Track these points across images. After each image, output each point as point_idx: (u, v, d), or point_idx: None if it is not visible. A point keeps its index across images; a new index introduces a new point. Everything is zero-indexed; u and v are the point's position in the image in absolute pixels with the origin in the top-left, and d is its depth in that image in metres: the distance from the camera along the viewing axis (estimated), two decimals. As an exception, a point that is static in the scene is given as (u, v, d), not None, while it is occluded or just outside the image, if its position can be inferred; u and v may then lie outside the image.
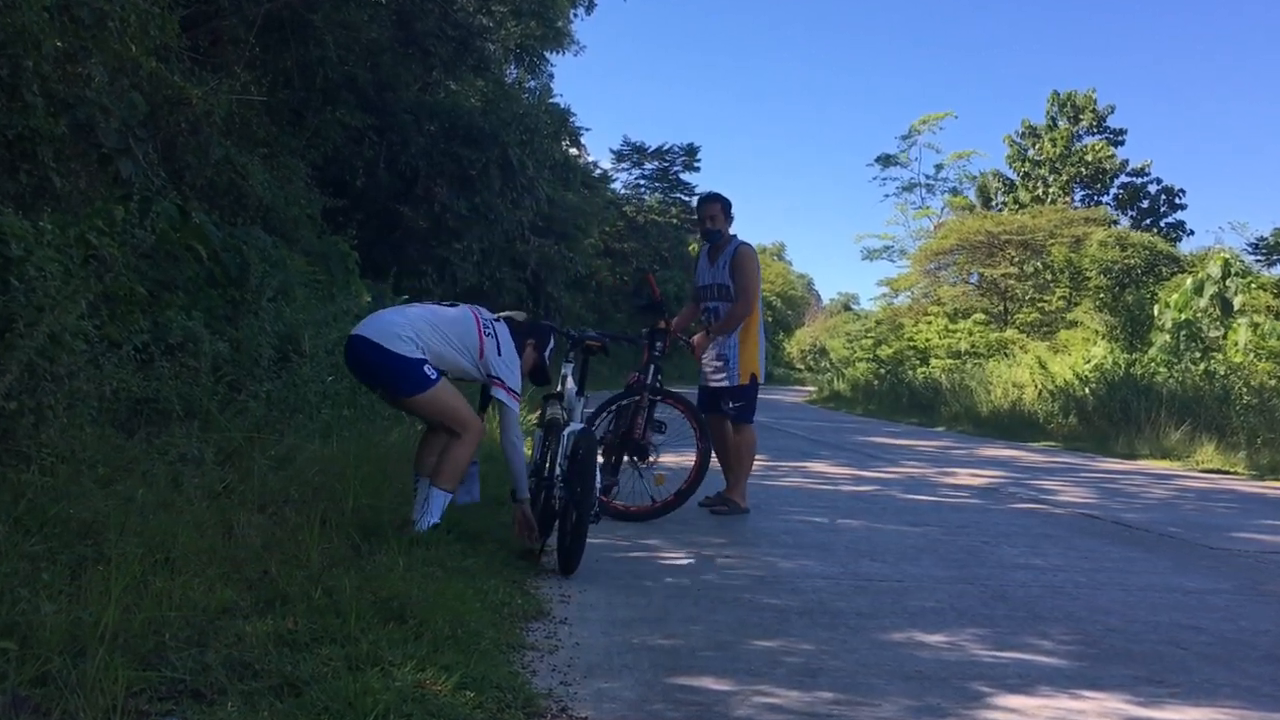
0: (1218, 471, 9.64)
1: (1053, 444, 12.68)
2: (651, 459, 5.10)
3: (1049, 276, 25.99)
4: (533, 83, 20.92)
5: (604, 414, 5.20)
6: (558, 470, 3.81)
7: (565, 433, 3.85)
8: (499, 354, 3.85)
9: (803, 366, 49.34)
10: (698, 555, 4.24)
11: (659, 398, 5.20)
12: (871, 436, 13.01)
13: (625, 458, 5.14)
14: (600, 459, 5.13)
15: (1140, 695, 2.60)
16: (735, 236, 5.51)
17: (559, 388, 4.20)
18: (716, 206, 5.48)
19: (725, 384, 5.42)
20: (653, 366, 5.22)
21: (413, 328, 3.75)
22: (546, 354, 4.21)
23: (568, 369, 4.16)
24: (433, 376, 3.71)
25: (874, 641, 3.00)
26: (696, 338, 5.46)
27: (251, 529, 3.24)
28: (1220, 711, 2.52)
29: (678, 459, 5.27)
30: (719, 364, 5.42)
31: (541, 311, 20.13)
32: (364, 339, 3.74)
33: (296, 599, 2.69)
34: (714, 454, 5.32)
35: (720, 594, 3.53)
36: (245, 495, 3.59)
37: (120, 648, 2.15)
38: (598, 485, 3.69)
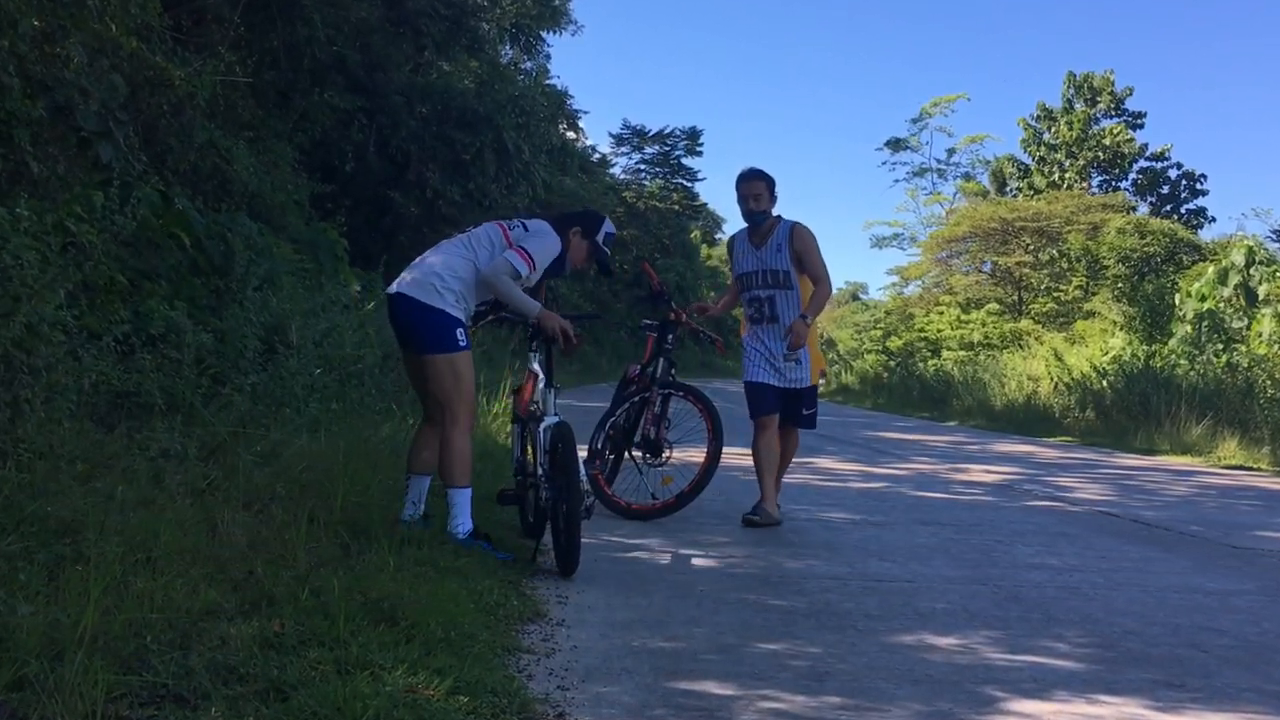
0: (1240, 468, 9.48)
1: (1069, 439, 12.55)
2: (666, 454, 4.94)
3: (1065, 265, 25.94)
4: (529, 64, 20.77)
5: (621, 409, 5.03)
6: (539, 469, 3.74)
7: (541, 429, 3.77)
8: (526, 230, 3.93)
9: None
10: (700, 555, 4.18)
11: (676, 392, 5.02)
12: (880, 431, 12.92)
13: (636, 454, 5.01)
14: (611, 455, 5.06)
15: (1159, 700, 2.55)
16: (780, 217, 5.01)
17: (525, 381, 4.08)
18: (761, 185, 4.95)
19: (799, 385, 4.92)
20: (663, 360, 5.03)
21: (452, 273, 3.77)
22: (600, 238, 4.07)
23: (534, 360, 4.02)
24: (462, 343, 3.74)
25: (883, 644, 2.95)
26: (796, 327, 4.84)
27: (236, 527, 3.21)
28: (1242, 717, 2.47)
29: (680, 455, 5.16)
30: (791, 362, 4.95)
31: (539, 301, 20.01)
32: (401, 296, 3.78)
33: (283, 600, 2.66)
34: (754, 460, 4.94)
35: (723, 595, 3.48)
36: (230, 492, 3.56)
37: (100, 651, 2.11)
38: (584, 478, 3.63)
